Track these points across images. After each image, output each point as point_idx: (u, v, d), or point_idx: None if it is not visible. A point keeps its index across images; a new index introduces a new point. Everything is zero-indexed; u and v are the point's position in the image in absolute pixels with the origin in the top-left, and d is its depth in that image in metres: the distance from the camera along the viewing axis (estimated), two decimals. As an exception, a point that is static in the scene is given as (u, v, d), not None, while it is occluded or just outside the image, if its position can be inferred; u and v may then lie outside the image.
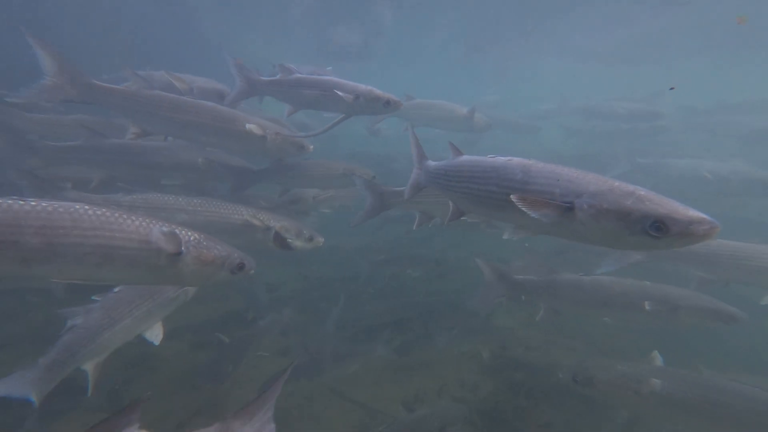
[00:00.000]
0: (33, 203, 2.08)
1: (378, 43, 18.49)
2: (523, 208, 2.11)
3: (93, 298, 3.07)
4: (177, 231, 2.37)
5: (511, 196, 2.14)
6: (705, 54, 19.48)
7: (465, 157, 2.79)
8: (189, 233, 2.43)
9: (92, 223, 2.13)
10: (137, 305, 3.07)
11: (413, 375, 4.38)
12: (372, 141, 11.23)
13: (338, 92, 4.43)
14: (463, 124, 8.60)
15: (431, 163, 3.14)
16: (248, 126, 4.33)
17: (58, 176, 4.71)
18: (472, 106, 8.58)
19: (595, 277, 4.08)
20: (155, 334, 3.18)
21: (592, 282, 4.04)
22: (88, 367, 2.87)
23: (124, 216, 2.25)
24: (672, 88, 12.60)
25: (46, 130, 5.42)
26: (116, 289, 3.11)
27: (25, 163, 4.44)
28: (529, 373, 4.38)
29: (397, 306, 5.75)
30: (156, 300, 3.16)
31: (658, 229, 1.90)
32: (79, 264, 2.13)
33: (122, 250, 2.18)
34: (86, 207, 2.19)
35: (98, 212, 2.18)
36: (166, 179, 4.89)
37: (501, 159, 2.47)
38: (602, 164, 9.63)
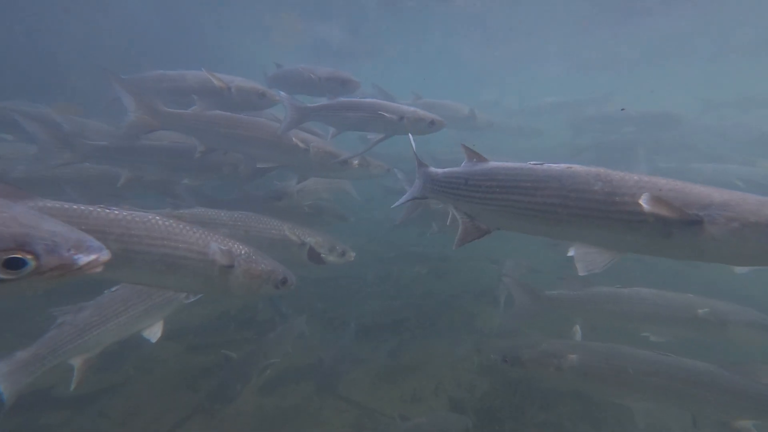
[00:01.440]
0: (116, 212, 2.26)
1: (364, 39, 18.31)
2: (655, 215, 1.76)
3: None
4: (231, 245, 2.54)
5: (642, 201, 1.78)
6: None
7: (497, 164, 2.38)
8: (241, 247, 2.59)
9: (161, 233, 2.31)
10: (134, 304, 3.08)
11: (410, 374, 4.38)
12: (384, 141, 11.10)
13: (384, 113, 4.64)
14: (466, 122, 8.92)
15: (435, 170, 2.68)
16: (293, 140, 4.64)
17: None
18: (472, 107, 8.74)
19: (634, 289, 3.87)
20: (154, 332, 3.19)
21: (633, 295, 3.82)
22: (76, 362, 2.90)
23: (188, 228, 2.43)
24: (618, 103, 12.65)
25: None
26: (114, 288, 3.12)
27: (62, 158, 4.68)
28: (525, 372, 4.37)
29: (395, 306, 5.75)
30: (154, 300, 3.16)
31: None
32: (146, 270, 2.31)
33: (184, 260, 2.35)
34: (157, 218, 2.36)
35: (167, 223, 2.36)
36: (189, 179, 5.16)
37: (557, 166, 2.12)
38: (615, 165, 9.32)
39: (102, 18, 12.36)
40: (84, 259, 1.25)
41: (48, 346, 2.77)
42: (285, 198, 5.33)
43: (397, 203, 3.01)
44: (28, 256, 1.14)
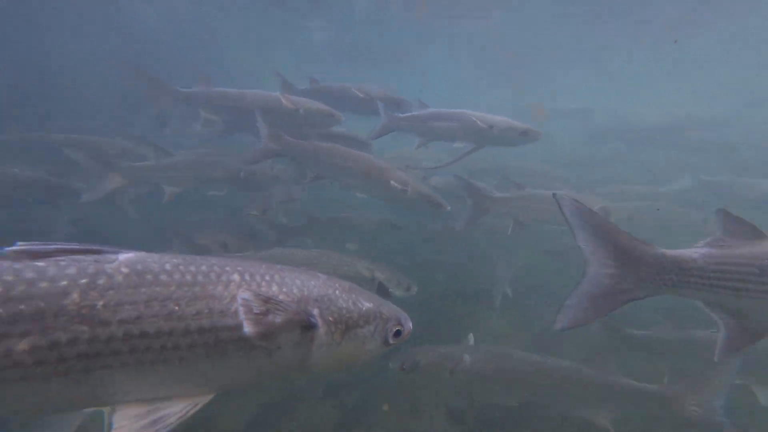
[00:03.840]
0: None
1: (352, 39, 18.30)
2: None
3: None
4: None
5: None
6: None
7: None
8: None
9: None
10: None
11: (408, 383, 4.26)
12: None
13: (477, 122, 4.61)
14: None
15: (680, 253, 1.86)
16: (392, 183, 4.65)
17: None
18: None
19: None
20: None
21: None
22: None
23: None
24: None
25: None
26: None
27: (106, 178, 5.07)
28: (422, 377, 4.24)
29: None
30: None
31: None
32: None
33: None
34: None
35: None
36: (213, 191, 5.55)
37: None
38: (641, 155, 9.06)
39: (108, 31, 12.62)
40: (410, 326, 1.58)
41: None
42: (269, 211, 5.35)
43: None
44: (401, 329, 1.53)
